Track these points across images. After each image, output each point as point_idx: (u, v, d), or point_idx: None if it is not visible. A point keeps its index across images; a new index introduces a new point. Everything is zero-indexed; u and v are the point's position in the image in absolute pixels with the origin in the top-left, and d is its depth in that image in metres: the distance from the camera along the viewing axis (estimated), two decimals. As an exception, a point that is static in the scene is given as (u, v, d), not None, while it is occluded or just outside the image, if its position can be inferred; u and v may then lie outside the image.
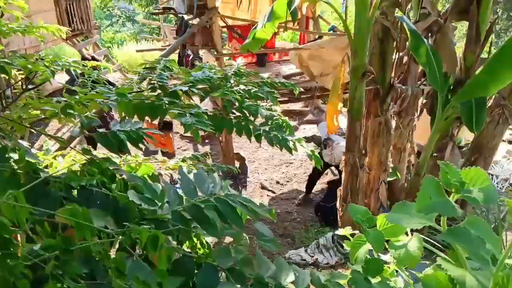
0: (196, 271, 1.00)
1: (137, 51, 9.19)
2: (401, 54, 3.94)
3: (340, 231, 1.66)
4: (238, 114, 2.03)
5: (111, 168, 1.32)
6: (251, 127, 1.96)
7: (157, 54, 9.38)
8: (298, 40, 9.33)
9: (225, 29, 7.51)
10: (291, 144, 2.01)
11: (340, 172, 4.89)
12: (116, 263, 0.74)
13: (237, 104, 2.00)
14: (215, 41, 5.68)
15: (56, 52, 10.07)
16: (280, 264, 1.18)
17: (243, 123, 1.96)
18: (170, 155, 5.74)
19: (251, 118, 2.00)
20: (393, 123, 4.04)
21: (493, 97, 3.39)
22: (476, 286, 0.78)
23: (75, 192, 1.12)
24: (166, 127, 5.21)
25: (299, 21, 8.20)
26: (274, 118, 2.09)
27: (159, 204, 1.06)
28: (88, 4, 9.66)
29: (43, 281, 0.78)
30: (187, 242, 1.08)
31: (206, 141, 7.29)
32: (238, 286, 0.99)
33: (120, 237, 0.87)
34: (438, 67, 2.98)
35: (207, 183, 1.18)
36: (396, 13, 3.29)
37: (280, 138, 1.98)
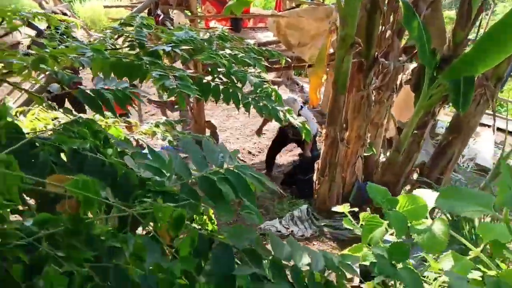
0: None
1: (105, 7, 8.63)
2: (385, 28, 3.86)
3: (337, 208, 1.58)
4: (224, 80, 1.88)
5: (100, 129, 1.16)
6: (239, 94, 1.83)
7: (124, 12, 8.87)
8: (273, 8, 9.07)
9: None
10: (281, 114, 1.90)
11: (302, 146, 4.83)
12: (137, 248, 0.60)
13: (223, 69, 1.84)
14: (190, 1, 5.37)
15: (14, 3, 9.32)
16: (293, 244, 1.08)
17: (231, 90, 1.82)
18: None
19: (239, 85, 1.86)
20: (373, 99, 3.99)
21: (476, 77, 3.39)
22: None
23: (63, 156, 0.96)
24: None
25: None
26: (264, 86, 1.96)
27: (167, 175, 0.92)
28: (49, -48, 8.91)
29: (39, 264, 0.63)
30: (197, 218, 0.96)
31: (175, 106, 7.03)
32: (257, 270, 0.88)
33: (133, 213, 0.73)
34: (428, 43, 2.92)
35: (217, 153, 1.04)
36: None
37: (270, 108, 1.86)
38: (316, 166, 3.88)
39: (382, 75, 3.88)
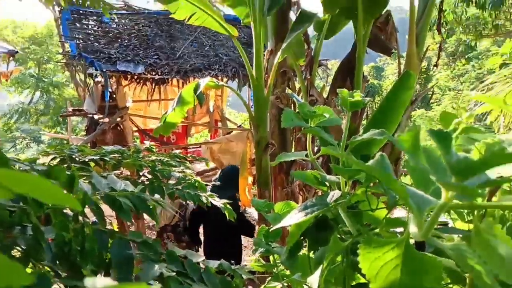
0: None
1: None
2: (299, 135, 4.45)
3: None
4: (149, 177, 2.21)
5: None
6: (163, 187, 2.14)
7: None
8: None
9: (136, 133, 7.75)
10: (204, 199, 2.20)
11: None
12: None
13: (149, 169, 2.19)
14: (127, 139, 5.84)
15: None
16: (192, 253, 1.30)
17: (155, 184, 2.14)
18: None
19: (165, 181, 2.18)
20: (300, 198, 4.37)
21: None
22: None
23: None
24: None
25: (208, 123, 8.80)
26: (187, 178, 2.29)
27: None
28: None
29: None
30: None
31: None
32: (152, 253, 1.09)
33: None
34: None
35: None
36: (286, 91, 3.82)
37: (193, 194, 2.17)
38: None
39: (303, 174, 4.33)
